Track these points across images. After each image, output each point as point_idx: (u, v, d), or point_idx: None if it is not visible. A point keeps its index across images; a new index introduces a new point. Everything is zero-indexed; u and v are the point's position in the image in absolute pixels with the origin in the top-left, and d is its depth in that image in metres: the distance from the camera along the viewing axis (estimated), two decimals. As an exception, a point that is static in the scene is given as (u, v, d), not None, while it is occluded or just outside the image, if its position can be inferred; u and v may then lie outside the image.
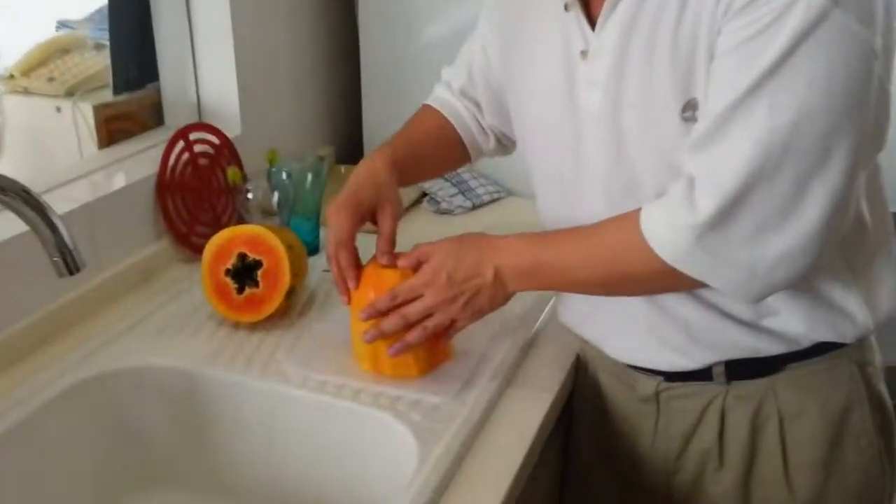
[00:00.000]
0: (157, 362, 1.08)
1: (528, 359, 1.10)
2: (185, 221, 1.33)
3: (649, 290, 0.93)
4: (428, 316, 0.97)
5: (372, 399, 1.01)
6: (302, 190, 1.34)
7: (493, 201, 1.60)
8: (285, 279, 1.13)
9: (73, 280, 1.13)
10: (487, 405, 0.99)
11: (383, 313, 0.99)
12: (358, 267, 1.04)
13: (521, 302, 1.16)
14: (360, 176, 1.08)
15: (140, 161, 1.34)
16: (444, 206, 1.55)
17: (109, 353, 1.09)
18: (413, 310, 0.97)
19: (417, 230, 1.47)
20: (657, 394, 1.01)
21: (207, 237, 1.33)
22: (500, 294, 0.96)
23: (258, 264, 1.14)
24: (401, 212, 1.08)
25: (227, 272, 1.14)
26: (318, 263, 1.33)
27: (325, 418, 1.02)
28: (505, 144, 1.21)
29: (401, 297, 0.98)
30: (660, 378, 1.00)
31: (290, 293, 1.14)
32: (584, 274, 0.93)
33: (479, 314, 0.98)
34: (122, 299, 1.22)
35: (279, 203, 1.29)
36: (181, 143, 1.32)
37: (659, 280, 0.88)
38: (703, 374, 0.97)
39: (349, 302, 1.05)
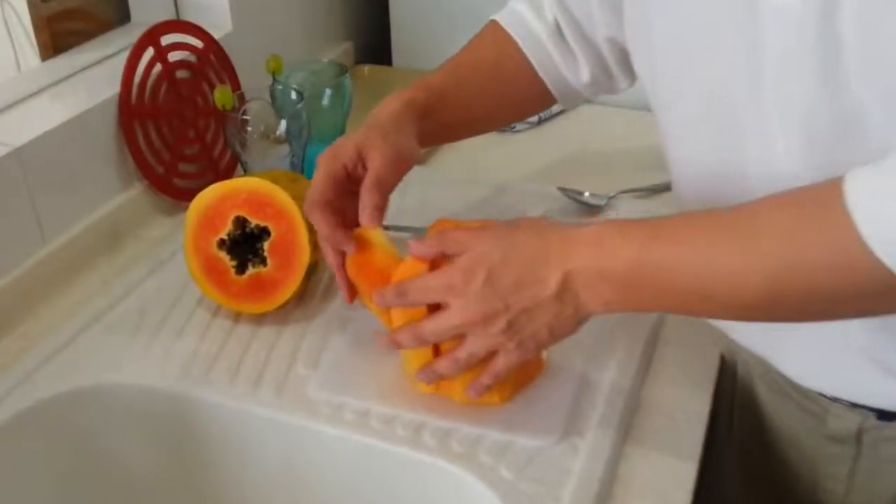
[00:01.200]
0: (129, 379, 0.77)
1: (653, 368, 0.77)
2: (163, 158, 0.99)
3: (856, 313, 0.58)
4: (459, 335, 0.65)
5: (437, 441, 0.69)
6: (318, 111, 0.99)
7: (563, 112, 1.23)
8: (303, 254, 0.79)
9: (6, 258, 0.81)
10: (611, 454, 0.68)
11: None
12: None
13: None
14: (366, 123, 0.77)
15: (96, 76, 0.98)
16: (502, 120, 1.20)
17: (63, 365, 0.77)
18: (429, 329, 0.65)
19: (466, 158, 1.12)
20: (859, 434, 0.69)
21: (195, 179, 0.99)
22: (568, 315, 0.62)
23: (264, 233, 0.80)
24: (401, 157, 0.74)
25: (222, 244, 0.81)
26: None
27: (367, 469, 0.71)
28: (612, 77, 0.84)
29: (412, 297, 0.66)
30: (868, 414, 0.68)
31: (311, 271, 0.81)
32: (728, 289, 0.56)
33: (533, 346, 0.64)
34: (78, 279, 0.90)
35: (288, 132, 0.94)
36: (151, 50, 0.96)
37: (878, 299, 0.54)
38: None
39: (351, 300, 0.75)
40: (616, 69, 0.82)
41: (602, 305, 0.61)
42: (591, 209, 0.98)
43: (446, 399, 0.72)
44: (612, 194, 1.00)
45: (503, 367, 0.66)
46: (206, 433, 0.76)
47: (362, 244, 0.72)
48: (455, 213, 0.94)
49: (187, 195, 0.99)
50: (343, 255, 0.73)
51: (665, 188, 1.03)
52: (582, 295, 0.61)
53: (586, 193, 0.99)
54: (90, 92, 0.94)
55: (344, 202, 0.73)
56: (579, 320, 0.63)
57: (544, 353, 0.74)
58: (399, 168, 0.74)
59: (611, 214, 0.98)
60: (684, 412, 0.73)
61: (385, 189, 0.73)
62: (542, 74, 0.84)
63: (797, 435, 0.74)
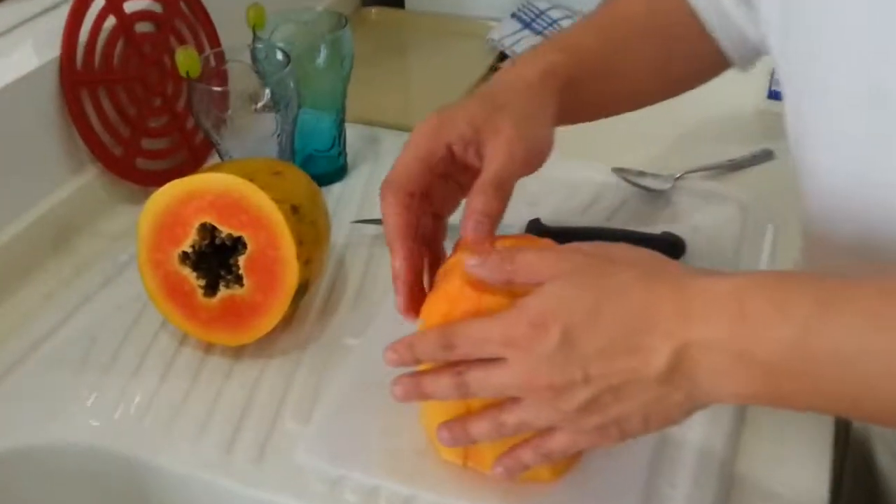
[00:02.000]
0: (72, 435, 0.60)
1: (749, 430, 0.59)
2: (120, 135, 0.80)
3: None
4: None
5: (468, 536, 0.52)
6: (312, 74, 0.79)
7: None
8: (290, 273, 0.61)
9: None
10: (701, 559, 0.50)
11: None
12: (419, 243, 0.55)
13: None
14: (491, 90, 0.58)
15: (34, 34, 0.78)
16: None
17: (-15, 417, 0.61)
18: (473, 378, 0.47)
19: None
20: None
21: (163, 158, 0.81)
22: (675, 402, 0.44)
23: (238, 244, 0.62)
24: (532, 153, 0.55)
25: (185, 259, 0.62)
26: (345, 205, 0.81)
27: (378, 568, 0.54)
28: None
29: (460, 351, 0.47)
30: None
31: (302, 292, 0.63)
32: None
33: (616, 434, 0.46)
34: (12, 294, 0.71)
35: (275, 102, 0.74)
36: (101, -1, 0.77)
37: None
38: None
39: (415, 316, 0.54)
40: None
41: (732, 397, 0.43)
42: (654, 194, 0.79)
43: (479, 475, 0.55)
44: (677, 174, 0.81)
45: (560, 450, 0.48)
46: (167, 508, 0.59)
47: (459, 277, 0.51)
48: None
49: (154, 179, 0.81)
50: (414, 261, 0.54)
51: (739, 166, 0.84)
52: (703, 380, 0.42)
53: (647, 174, 0.80)
54: (24, 55, 0.75)
55: (435, 188, 0.56)
56: (689, 411, 0.44)
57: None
58: (528, 168, 0.55)
59: (677, 200, 0.79)
60: (795, 494, 0.55)
61: (506, 194, 0.53)
62: (709, 24, 0.64)
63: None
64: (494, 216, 0.52)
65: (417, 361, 0.49)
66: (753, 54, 0.65)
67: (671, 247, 0.71)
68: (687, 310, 0.42)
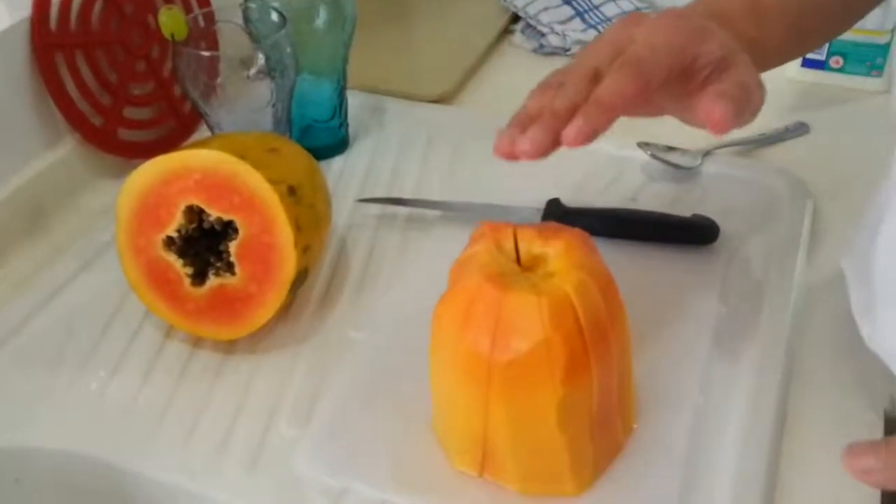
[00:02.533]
0: (45, 440, 0.54)
1: (789, 437, 0.53)
2: (100, 103, 0.73)
3: None
4: None
5: (486, 560, 0.46)
6: (310, 36, 0.72)
7: (630, 28, 0.96)
8: (286, 262, 0.55)
9: None
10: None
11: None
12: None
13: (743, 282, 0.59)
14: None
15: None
16: (551, 40, 0.92)
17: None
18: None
19: (505, 94, 0.86)
20: None
21: (148, 128, 0.75)
22: None
23: (229, 228, 0.56)
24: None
25: (170, 244, 0.56)
26: (346, 181, 0.74)
27: None
28: None
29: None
30: None
31: (300, 281, 0.57)
32: None
33: None
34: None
35: (269, 68, 0.68)
36: (78, -48, 0.69)
37: None
38: None
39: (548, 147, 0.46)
40: None
41: None
42: (681, 172, 0.72)
43: (497, 487, 0.49)
44: (706, 150, 0.74)
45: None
46: (152, 521, 0.54)
47: None
48: (500, 182, 0.69)
49: (138, 151, 0.75)
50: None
51: (772, 140, 0.78)
52: None
53: (675, 149, 0.73)
54: (-8, 14, 0.68)
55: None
56: None
57: (634, 418, 0.51)
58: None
59: (707, 178, 0.73)
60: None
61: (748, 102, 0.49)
62: None
63: None
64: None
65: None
66: None
67: (703, 231, 0.65)
68: None
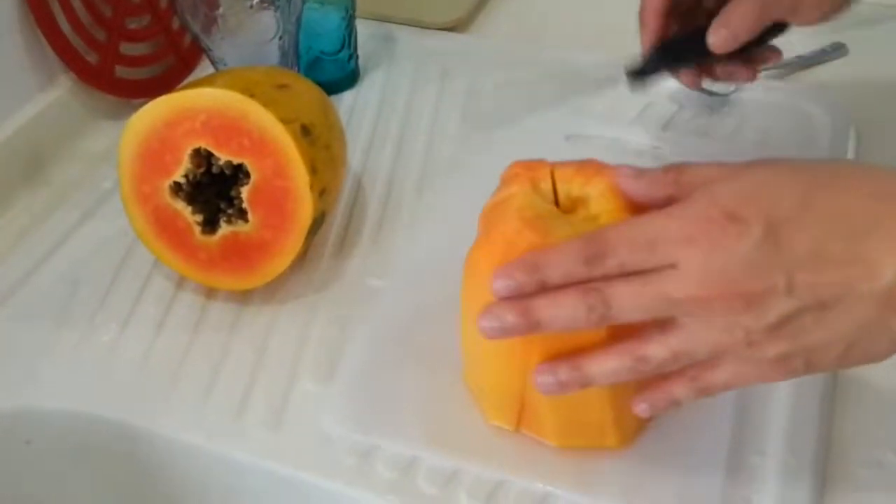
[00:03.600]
0: (54, 400, 0.51)
1: (844, 381, 0.51)
2: (95, 40, 0.68)
3: None
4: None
5: (526, 517, 0.44)
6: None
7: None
8: (303, 206, 0.51)
9: None
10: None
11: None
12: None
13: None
14: None
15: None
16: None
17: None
18: (624, 296, 0.37)
19: (519, 8, 0.80)
20: None
21: (146, 64, 0.71)
22: (888, 333, 0.35)
23: (240, 172, 0.52)
24: None
25: (177, 190, 0.53)
26: (358, 117, 0.70)
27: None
28: None
29: (613, 261, 0.37)
30: None
31: (317, 225, 0.54)
32: None
33: (801, 367, 0.37)
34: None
35: (273, -2, 0.63)
36: None
37: None
38: None
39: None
40: None
41: None
42: (714, 99, 0.68)
43: (535, 442, 0.46)
44: (740, 76, 0.70)
45: (721, 385, 0.39)
46: (166, 480, 0.51)
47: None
48: (522, 114, 0.65)
49: (137, 89, 0.71)
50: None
51: (809, 63, 0.73)
52: None
53: (706, 76, 0.69)
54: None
55: None
56: None
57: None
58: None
59: (741, 106, 0.68)
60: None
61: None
62: None
63: None
64: None
65: (542, 287, 0.38)
66: None
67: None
68: None
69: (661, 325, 0.37)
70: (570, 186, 0.44)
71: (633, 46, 0.63)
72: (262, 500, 0.49)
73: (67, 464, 0.52)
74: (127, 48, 0.70)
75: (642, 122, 0.67)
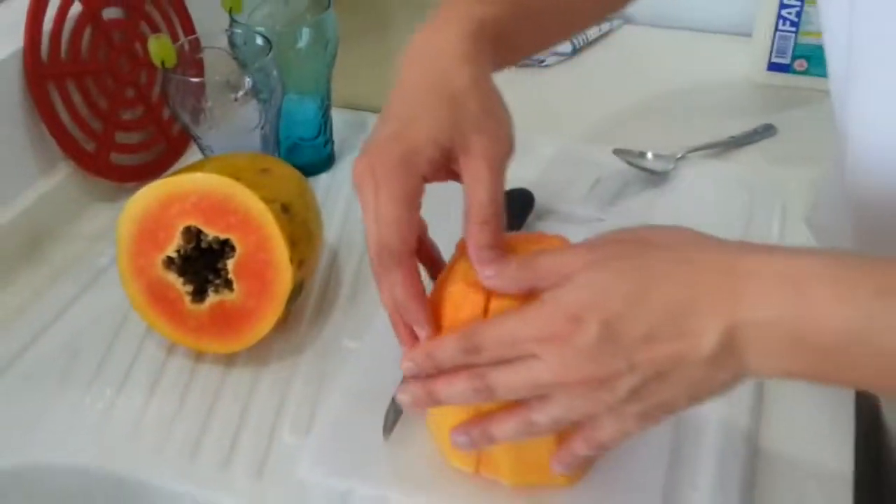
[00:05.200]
0: (55, 456, 0.56)
1: (768, 405, 0.57)
2: (93, 130, 0.75)
3: None
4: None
5: (486, 553, 0.49)
6: (294, 58, 0.75)
7: (602, 37, 0.99)
8: (283, 276, 0.57)
9: None
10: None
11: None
12: (425, 285, 0.49)
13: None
14: (412, 80, 0.50)
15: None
16: (526, 53, 0.96)
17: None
18: (502, 380, 0.44)
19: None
20: None
21: (139, 152, 0.77)
22: (721, 381, 0.42)
23: (226, 247, 0.58)
24: (506, 148, 0.49)
25: (169, 264, 0.59)
26: (333, 197, 0.77)
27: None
28: None
29: (489, 354, 0.44)
30: None
31: (296, 294, 0.60)
32: None
33: (659, 416, 0.44)
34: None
35: (256, 91, 0.70)
36: (65, -15, 0.72)
37: None
38: None
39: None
40: None
41: (781, 373, 0.41)
42: (656, 176, 0.75)
43: (491, 482, 0.52)
44: (679, 154, 0.77)
45: (611, 439, 0.45)
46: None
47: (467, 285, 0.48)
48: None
49: (130, 174, 0.77)
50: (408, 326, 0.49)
51: (741, 142, 0.81)
52: (753, 358, 0.41)
53: (649, 155, 0.76)
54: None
55: None
56: (734, 385, 0.42)
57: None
58: (507, 162, 0.50)
59: (679, 182, 0.76)
60: (817, 475, 0.53)
61: (499, 213, 0.48)
62: None
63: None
64: (496, 242, 0.47)
65: (438, 370, 0.46)
66: None
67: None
68: (738, 289, 0.40)
69: (541, 397, 0.44)
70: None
71: (581, 129, 0.70)
72: (247, 544, 0.53)
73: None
74: (121, 137, 0.77)
75: (592, 198, 0.74)
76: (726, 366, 0.41)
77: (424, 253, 0.52)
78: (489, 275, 0.45)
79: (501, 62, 0.54)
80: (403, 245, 0.47)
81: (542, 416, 0.44)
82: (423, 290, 0.48)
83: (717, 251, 0.42)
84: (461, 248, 0.51)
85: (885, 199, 0.51)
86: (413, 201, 0.47)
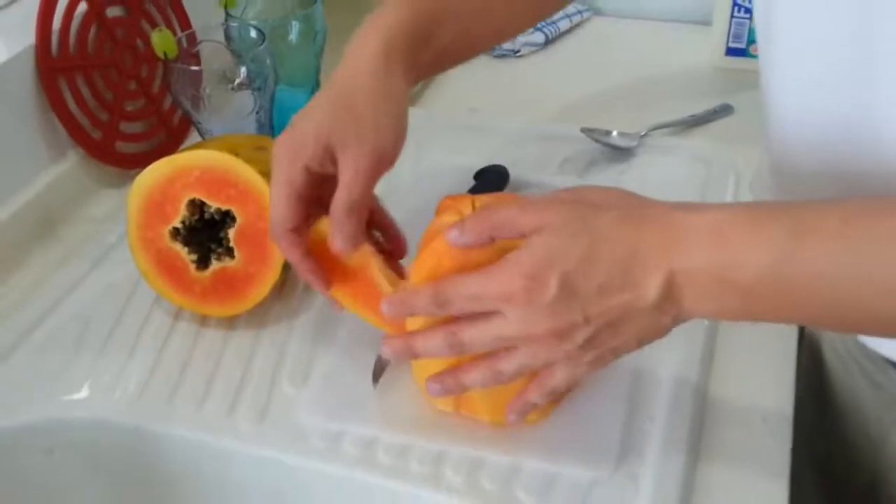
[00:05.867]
0: (73, 411, 0.61)
1: (718, 356, 0.63)
2: (99, 120, 0.81)
3: None
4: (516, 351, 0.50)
5: (463, 478, 0.55)
6: (285, 49, 0.81)
7: (574, 27, 1.06)
8: (279, 242, 0.63)
9: None
10: (682, 483, 0.54)
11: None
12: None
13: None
14: (329, 85, 0.59)
15: (5, 24, 0.79)
16: (502, 44, 1.02)
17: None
18: (469, 336, 0.50)
19: (459, 94, 0.95)
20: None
21: (142, 140, 0.83)
22: (664, 324, 0.48)
23: (227, 218, 0.64)
24: (378, 159, 0.56)
25: (175, 235, 0.64)
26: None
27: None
28: None
29: (455, 306, 0.50)
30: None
31: (290, 261, 0.66)
32: None
33: (611, 359, 0.50)
34: (2, 283, 0.73)
35: (250, 81, 0.76)
36: (72, -15, 0.78)
37: None
38: None
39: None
40: None
41: (714, 314, 0.48)
42: (621, 152, 0.82)
43: (471, 420, 0.58)
44: (642, 132, 0.84)
45: (562, 384, 0.51)
46: (172, 474, 0.61)
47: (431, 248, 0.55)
48: (456, 173, 0.78)
49: (134, 161, 0.83)
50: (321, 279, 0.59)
51: (701, 121, 0.87)
52: (688, 302, 0.46)
53: (614, 133, 0.83)
54: (-1, 44, 0.76)
55: (326, 192, 0.57)
56: (674, 326, 0.48)
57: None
58: (380, 169, 0.57)
59: (643, 157, 0.82)
60: (763, 416, 0.59)
61: (365, 205, 0.57)
62: None
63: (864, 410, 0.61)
64: (361, 231, 0.56)
65: (411, 314, 0.52)
66: None
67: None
68: (673, 241, 0.46)
69: (507, 349, 0.50)
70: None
71: (552, 111, 0.76)
72: (250, 481, 0.59)
73: (83, 464, 0.63)
74: (125, 127, 0.83)
75: (562, 171, 0.80)
76: (667, 311, 0.47)
77: (377, 222, 0.61)
78: (454, 236, 0.50)
79: (427, 66, 0.61)
80: (284, 223, 0.56)
81: (508, 365, 0.50)
82: (306, 255, 0.57)
83: (655, 209, 0.48)
84: (442, 208, 0.57)
85: (801, 161, 0.57)
86: (294, 186, 0.55)
